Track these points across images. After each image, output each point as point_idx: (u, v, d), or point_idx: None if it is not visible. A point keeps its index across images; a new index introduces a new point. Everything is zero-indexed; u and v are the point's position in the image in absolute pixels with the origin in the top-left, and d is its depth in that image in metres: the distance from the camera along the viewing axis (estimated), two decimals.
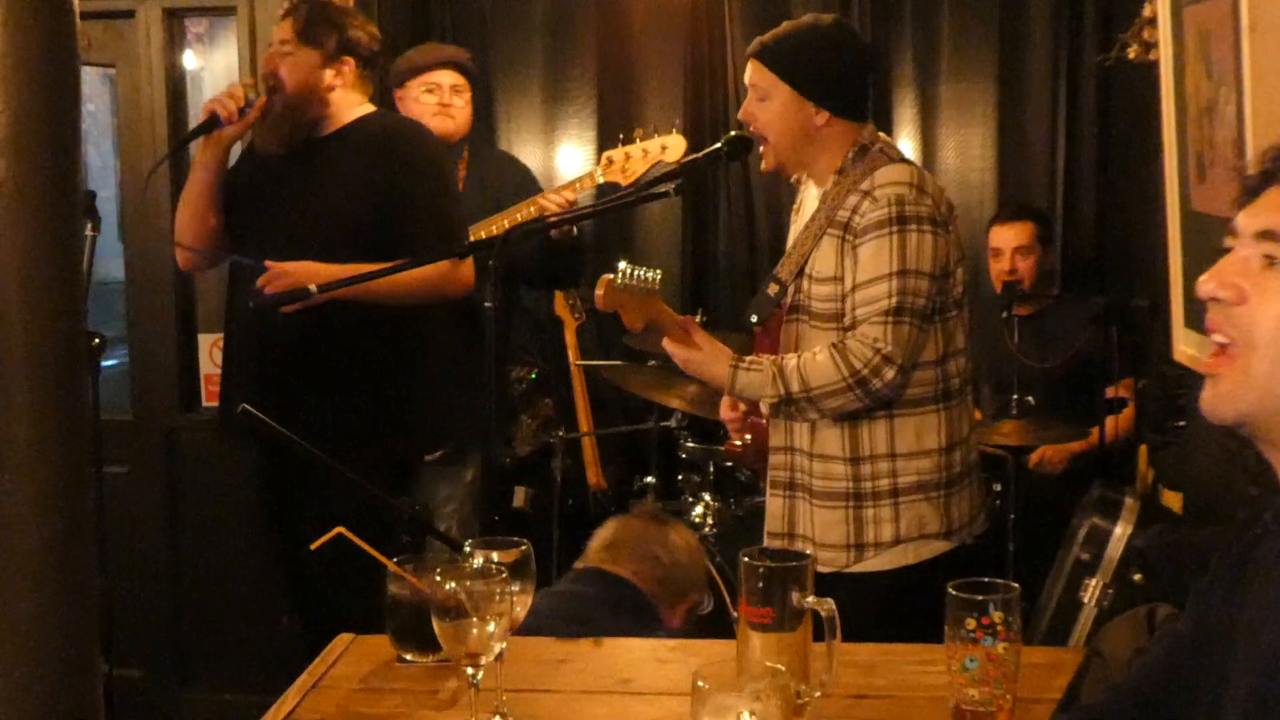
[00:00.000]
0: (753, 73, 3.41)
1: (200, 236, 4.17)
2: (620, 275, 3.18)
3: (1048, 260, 5.31)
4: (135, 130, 5.45)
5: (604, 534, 3.17)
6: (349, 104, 4.13)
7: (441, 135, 4.65)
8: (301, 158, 4.09)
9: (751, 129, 3.42)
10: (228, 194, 4.18)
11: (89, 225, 3.71)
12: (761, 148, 3.43)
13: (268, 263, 3.91)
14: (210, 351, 5.45)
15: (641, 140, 4.68)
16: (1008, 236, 5.22)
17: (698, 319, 4.88)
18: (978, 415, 5.02)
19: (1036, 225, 5.25)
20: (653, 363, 5.19)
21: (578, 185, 4.62)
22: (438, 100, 4.82)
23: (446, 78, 4.84)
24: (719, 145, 3.48)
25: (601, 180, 4.66)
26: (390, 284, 3.79)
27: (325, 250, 3.89)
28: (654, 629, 2.93)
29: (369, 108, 4.19)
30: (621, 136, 4.77)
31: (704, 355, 3.31)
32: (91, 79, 6.06)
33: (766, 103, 3.38)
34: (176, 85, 5.47)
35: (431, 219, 3.96)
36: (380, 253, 3.78)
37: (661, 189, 3.49)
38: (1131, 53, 4.57)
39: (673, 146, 4.67)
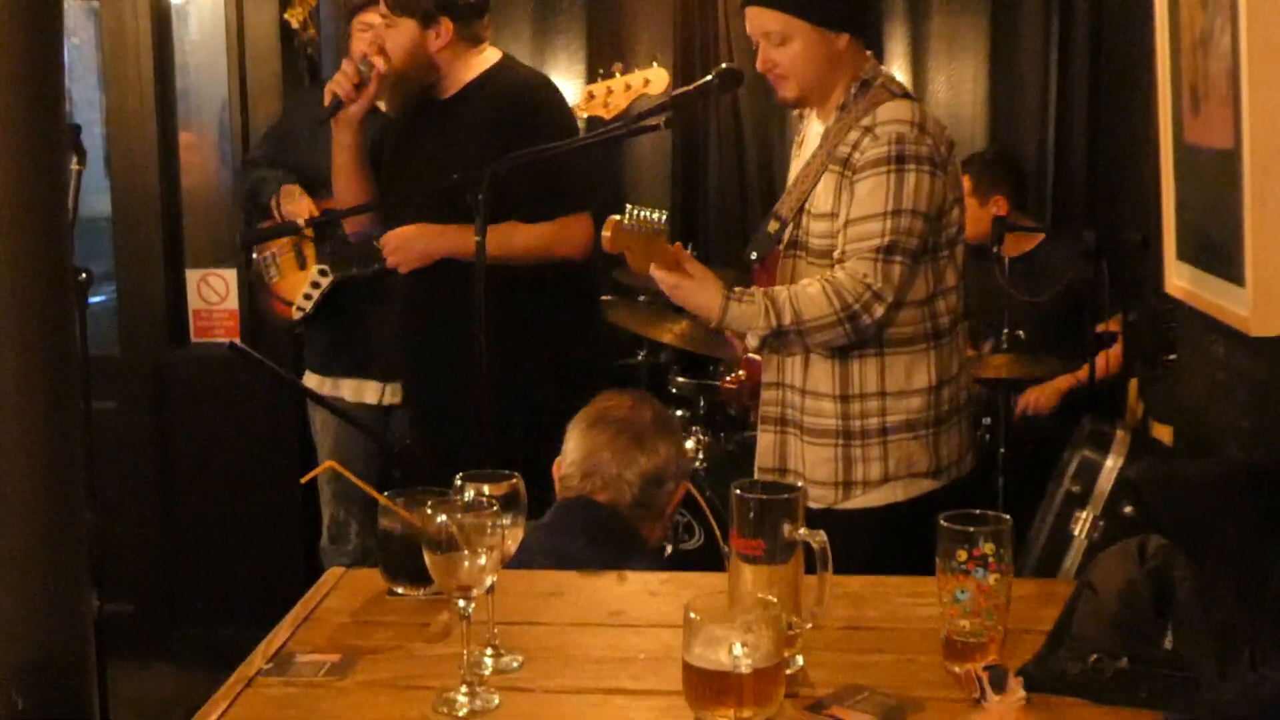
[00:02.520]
0: (760, 20, 3.34)
1: (362, 199, 4.15)
2: (627, 216, 3.15)
3: (996, 206, 5.24)
4: (120, 64, 5.41)
5: (575, 452, 3.08)
6: (463, 60, 4.06)
7: None
8: (427, 119, 4.08)
9: (773, 75, 3.38)
10: (380, 144, 4.17)
11: (74, 159, 3.69)
12: (778, 84, 3.39)
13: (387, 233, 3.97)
14: (198, 287, 5.44)
15: (623, 74, 4.65)
16: None
17: (680, 245, 4.88)
18: (970, 354, 5.03)
19: (970, 179, 5.18)
20: (643, 298, 5.19)
21: None
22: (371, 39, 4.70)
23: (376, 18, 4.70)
24: (710, 77, 3.45)
25: (585, 115, 4.62)
26: (498, 247, 3.74)
27: (447, 209, 3.84)
28: (634, 556, 2.91)
29: (492, 57, 4.11)
30: (601, 71, 4.73)
31: (694, 284, 3.27)
32: (76, 13, 6.01)
33: (787, 46, 3.32)
34: (161, 19, 5.45)
35: (548, 176, 3.89)
36: (495, 211, 3.78)
37: (651, 122, 3.47)
38: None
39: (655, 80, 4.63)
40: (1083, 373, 4.82)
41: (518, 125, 3.91)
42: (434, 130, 4.06)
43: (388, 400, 4.67)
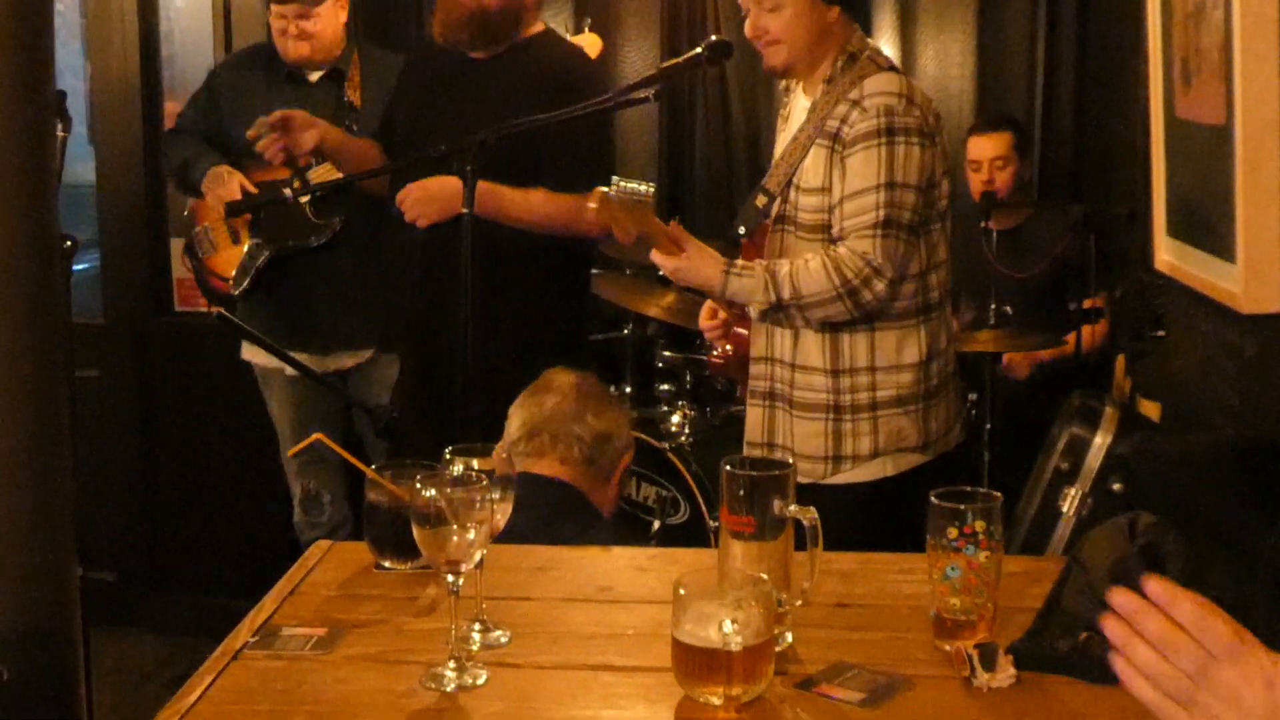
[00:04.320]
0: None
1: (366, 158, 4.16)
2: (614, 187, 3.14)
3: (1025, 170, 5.29)
4: (104, 30, 5.38)
5: (520, 418, 3.07)
6: (529, 21, 4.07)
7: (299, 60, 4.59)
8: (468, 75, 4.03)
9: (762, 43, 3.36)
10: (398, 95, 4.13)
11: (59, 126, 3.66)
12: (766, 51, 3.38)
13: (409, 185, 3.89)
14: (182, 256, 5.41)
15: None
16: (985, 147, 5.19)
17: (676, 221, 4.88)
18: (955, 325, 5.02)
19: (1014, 135, 5.22)
20: (629, 271, 5.17)
21: None
22: (282, 30, 4.59)
23: (287, 10, 4.56)
24: (699, 50, 3.43)
25: None
26: (523, 209, 3.82)
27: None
28: (592, 527, 2.90)
29: (539, 25, 4.12)
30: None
31: (694, 261, 3.27)
32: None
33: (778, 11, 3.31)
34: None
35: (577, 151, 3.89)
36: (520, 175, 3.78)
37: (639, 95, 3.45)
38: None
39: (588, 45, 4.64)
40: (1068, 346, 4.82)
41: (564, 87, 3.86)
42: (483, 83, 4.01)
43: (334, 367, 4.66)
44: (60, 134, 3.63)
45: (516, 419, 3.05)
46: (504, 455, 2.22)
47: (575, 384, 3.09)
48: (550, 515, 2.79)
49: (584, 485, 2.98)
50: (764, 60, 3.42)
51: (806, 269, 3.19)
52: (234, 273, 4.60)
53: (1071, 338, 4.76)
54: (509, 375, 3.57)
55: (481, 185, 3.54)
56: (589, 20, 4.74)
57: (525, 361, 3.81)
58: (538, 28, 4.10)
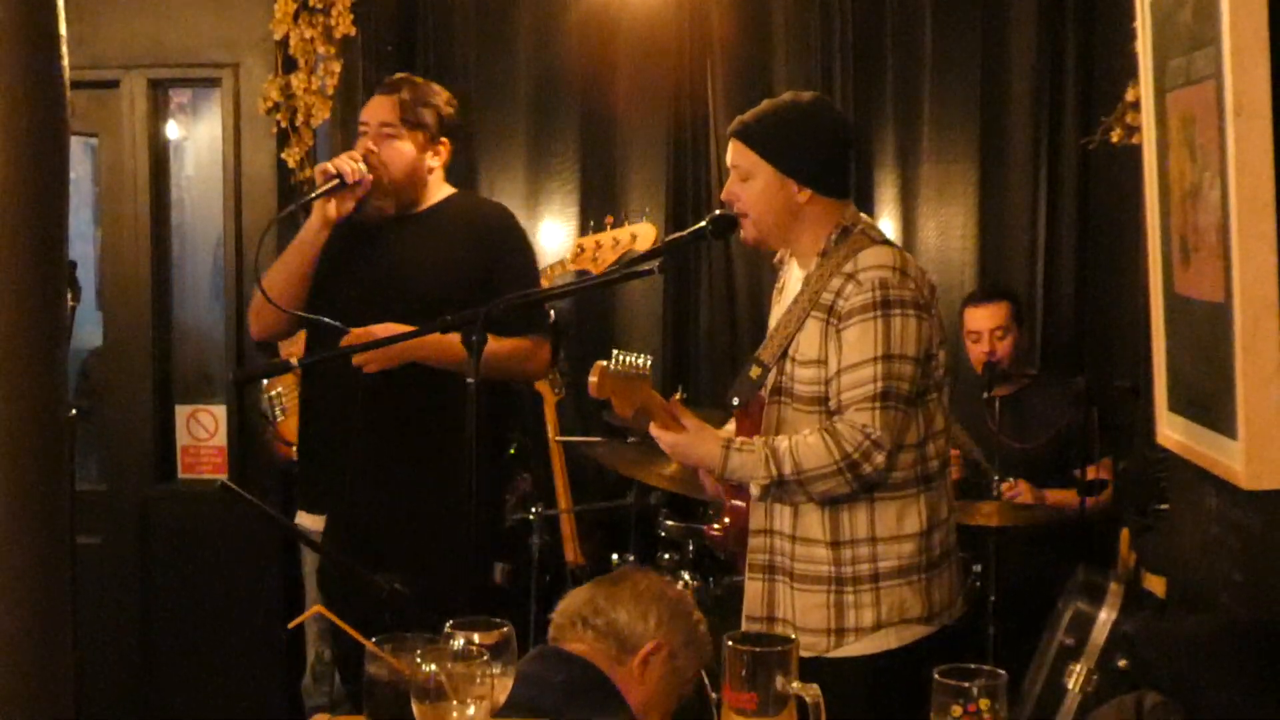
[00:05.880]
0: (734, 153, 3.41)
1: (292, 300, 4.06)
2: (613, 362, 3.16)
3: (1024, 339, 5.32)
4: (117, 199, 5.45)
5: (560, 605, 3.06)
6: (438, 183, 4.13)
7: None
8: (393, 231, 4.07)
9: (735, 208, 3.42)
10: (322, 255, 4.10)
11: (70, 295, 3.69)
12: (743, 222, 3.43)
13: (353, 330, 3.85)
14: (187, 422, 5.42)
15: (612, 228, 4.70)
16: (983, 318, 5.22)
17: (678, 397, 4.90)
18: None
19: (1011, 305, 5.25)
20: (632, 439, 5.18)
21: (548, 272, 4.61)
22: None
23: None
24: (704, 224, 3.47)
25: (573, 268, 4.67)
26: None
27: (407, 322, 3.78)
28: (616, 712, 2.85)
29: (449, 188, 4.18)
30: (592, 224, 4.79)
31: (692, 438, 3.28)
32: (74, 147, 6.03)
33: (749, 182, 3.38)
34: (159, 155, 5.50)
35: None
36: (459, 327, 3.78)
37: (645, 267, 3.48)
38: (1114, 136, 4.60)
39: (643, 235, 4.70)
40: (1073, 497, 4.77)
41: (493, 239, 4.01)
42: (409, 239, 4.06)
43: None
44: (70, 303, 3.66)
45: (558, 606, 3.01)
46: (506, 628, 2.20)
47: (625, 570, 3.09)
48: (570, 693, 2.73)
49: (609, 668, 2.90)
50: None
51: (805, 443, 3.20)
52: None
53: (1075, 496, 4.72)
54: (417, 531, 3.58)
55: (432, 337, 3.59)
56: (646, 211, 4.83)
57: (435, 518, 3.83)
58: (450, 189, 4.17)
